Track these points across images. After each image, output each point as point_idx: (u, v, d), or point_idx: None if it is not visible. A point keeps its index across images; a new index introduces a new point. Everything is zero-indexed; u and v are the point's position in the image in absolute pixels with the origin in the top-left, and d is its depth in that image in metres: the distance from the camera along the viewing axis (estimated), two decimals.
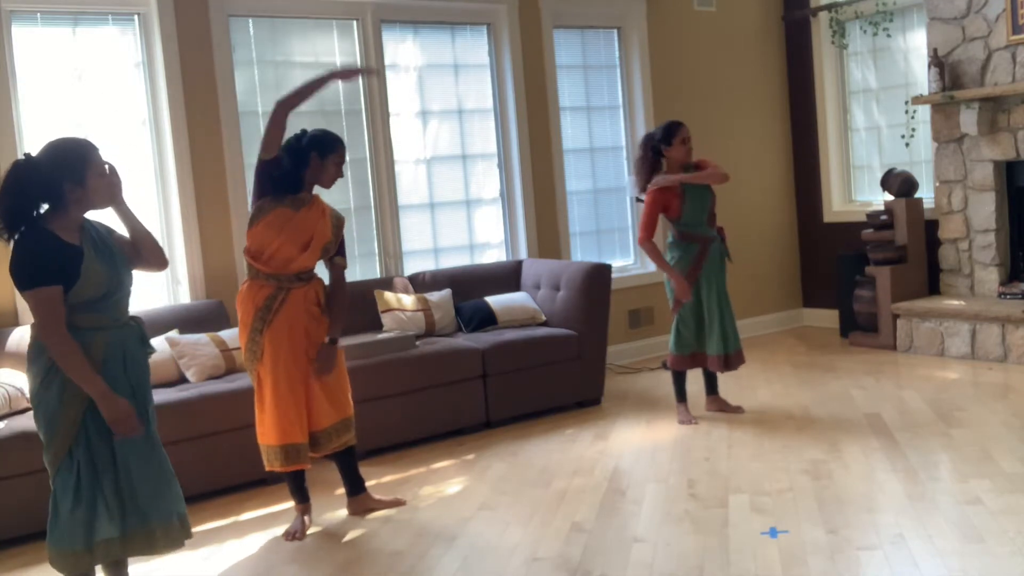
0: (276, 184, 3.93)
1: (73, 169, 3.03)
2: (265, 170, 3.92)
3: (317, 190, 4.11)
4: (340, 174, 4.08)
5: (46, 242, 2.99)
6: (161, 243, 5.38)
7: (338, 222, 4.13)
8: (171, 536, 3.21)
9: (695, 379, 5.54)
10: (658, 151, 5.17)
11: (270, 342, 3.91)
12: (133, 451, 3.12)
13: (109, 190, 3.12)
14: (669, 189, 5.13)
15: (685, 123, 5.20)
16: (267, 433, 3.97)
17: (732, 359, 5.26)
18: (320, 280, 4.11)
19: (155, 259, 3.29)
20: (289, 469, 4.01)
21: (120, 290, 3.15)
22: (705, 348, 5.25)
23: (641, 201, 5.38)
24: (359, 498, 4.26)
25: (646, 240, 5.16)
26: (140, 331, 3.24)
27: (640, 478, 4.44)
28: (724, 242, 5.32)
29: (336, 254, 4.12)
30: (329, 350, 4.04)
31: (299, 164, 3.96)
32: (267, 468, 4.03)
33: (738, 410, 5.43)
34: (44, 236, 3.00)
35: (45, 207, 3.05)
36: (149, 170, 5.41)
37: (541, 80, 6.73)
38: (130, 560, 3.88)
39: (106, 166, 3.10)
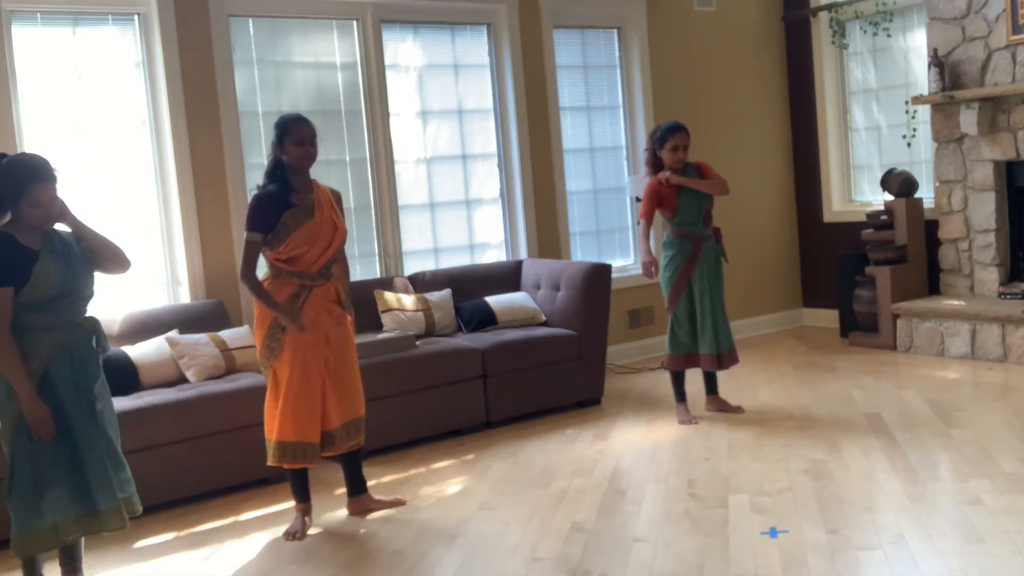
0: (279, 204, 3.92)
1: (7, 194, 3.22)
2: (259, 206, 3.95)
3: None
4: (308, 154, 3.96)
5: (1, 244, 3.20)
6: (161, 243, 5.43)
7: (340, 202, 4.15)
8: (114, 516, 3.37)
9: (695, 379, 5.54)
10: (656, 151, 5.23)
11: (292, 340, 3.92)
12: (82, 436, 3.31)
13: (44, 219, 3.27)
14: (666, 185, 5.16)
15: (686, 128, 5.19)
16: (277, 429, 3.96)
17: (724, 358, 5.28)
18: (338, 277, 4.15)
19: (115, 264, 3.44)
20: (295, 467, 4.01)
21: (74, 292, 3.32)
22: (698, 348, 5.27)
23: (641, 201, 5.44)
24: (360, 499, 4.27)
25: (643, 217, 5.25)
26: (93, 331, 3.41)
27: (640, 478, 4.44)
28: (720, 242, 5.33)
29: None
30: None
31: (279, 163, 3.97)
32: (270, 463, 4.01)
33: (738, 410, 5.43)
34: (0, 239, 3.21)
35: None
36: (149, 170, 5.40)
37: (541, 80, 6.73)
38: (127, 560, 3.89)
39: (47, 196, 3.24)
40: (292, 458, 3.96)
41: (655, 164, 5.25)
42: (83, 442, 3.32)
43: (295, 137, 3.95)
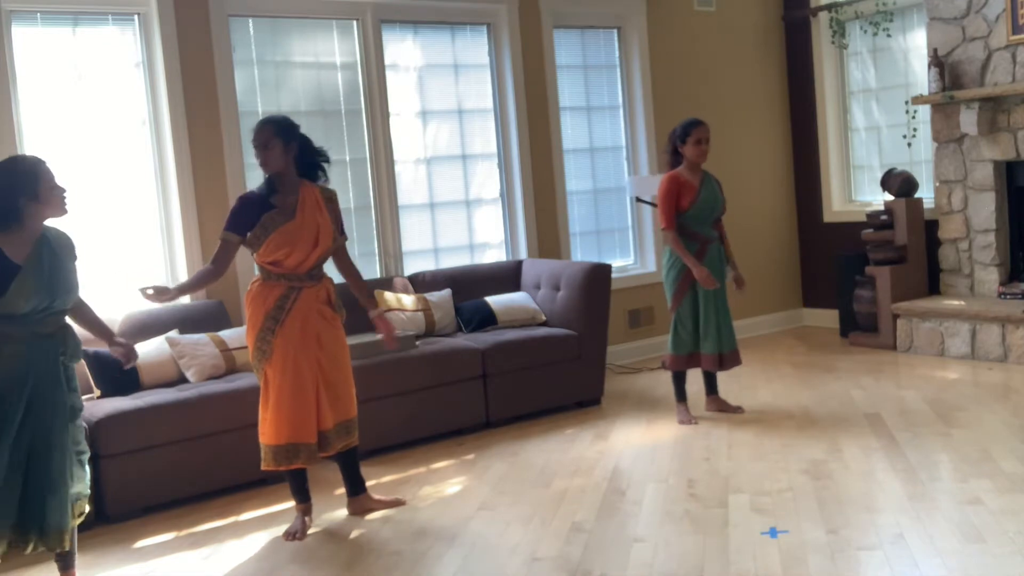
0: (259, 206, 3.94)
1: (26, 186, 3.24)
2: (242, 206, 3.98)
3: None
4: (259, 157, 3.97)
5: None
6: (161, 243, 5.44)
7: (332, 203, 4.12)
8: (46, 541, 3.32)
9: (695, 379, 5.54)
10: (676, 148, 5.23)
11: (281, 342, 3.92)
12: (33, 455, 3.28)
13: (62, 198, 3.34)
14: (687, 181, 5.18)
15: (705, 124, 5.20)
16: (269, 432, 3.96)
17: (727, 359, 5.29)
18: (330, 279, 4.11)
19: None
20: (291, 468, 4.00)
21: (49, 308, 3.30)
22: (700, 348, 5.27)
23: (641, 201, 5.44)
24: (359, 499, 4.27)
25: (668, 228, 5.18)
26: (61, 343, 3.36)
27: (640, 478, 4.44)
28: (722, 244, 5.34)
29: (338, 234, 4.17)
30: (384, 321, 4.20)
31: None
32: (263, 467, 4.01)
33: (738, 410, 5.43)
34: None
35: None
36: (149, 170, 5.40)
37: (541, 80, 6.73)
38: (127, 560, 3.89)
39: (55, 179, 3.33)
40: (285, 460, 3.96)
41: (674, 163, 5.26)
42: (12, 461, 3.26)
43: (254, 142, 4.00)
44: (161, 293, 3.86)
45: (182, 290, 4.03)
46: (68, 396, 3.40)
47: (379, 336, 5.21)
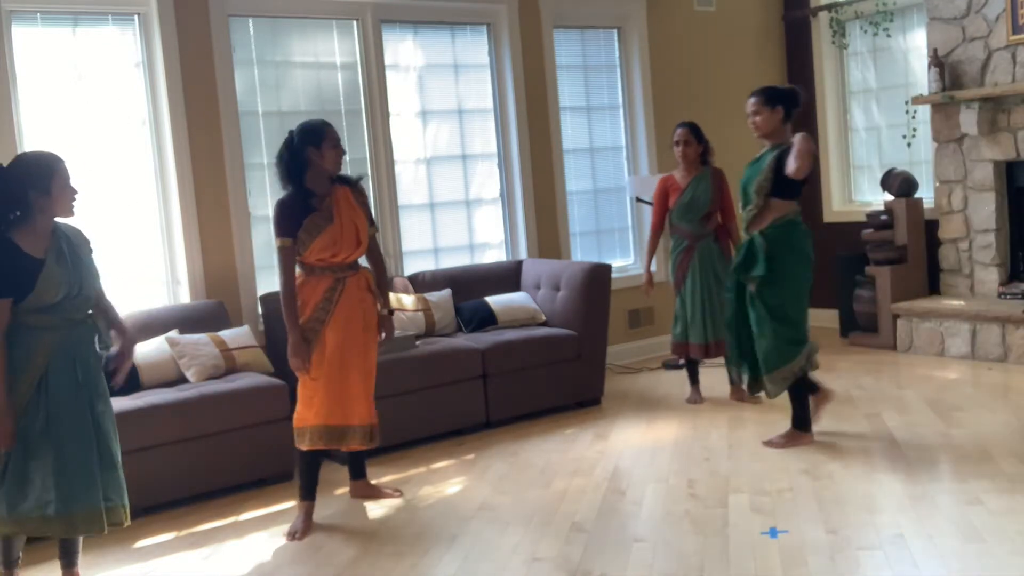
0: (301, 209, 3.99)
1: (39, 180, 3.27)
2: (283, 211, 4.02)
3: None
4: (342, 152, 4.08)
5: (4, 254, 3.21)
6: (161, 243, 5.45)
7: (362, 198, 4.18)
8: (93, 520, 3.33)
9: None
10: None
11: (331, 331, 4.01)
12: (72, 437, 3.31)
13: (72, 198, 3.38)
14: (675, 182, 5.54)
15: (687, 124, 5.58)
16: (316, 415, 4.02)
17: (712, 348, 5.51)
18: (366, 268, 4.23)
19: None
20: (332, 448, 4.09)
21: (79, 295, 3.36)
22: (689, 336, 5.54)
23: (641, 201, 5.61)
24: (359, 483, 4.41)
25: (652, 227, 5.68)
26: (94, 329, 3.46)
27: (640, 478, 4.44)
28: (718, 242, 5.53)
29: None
30: (389, 321, 4.28)
31: (300, 169, 3.99)
32: (307, 447, 4.03)
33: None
34: (4, 248, 3.22)
35: (16, 213, 3.28)
36: (149, 170, 5.40)
37: (541, 80, 6.73)
38: (127, 560, 3.90)
39: (70, 179, 3.37)
40: (330, 440, 4.04)
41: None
42: (74, 444, 3.31)
43: (332, 141, 4.05)
44: None
45: (293, 328, 4.00)
46: (105, 381, 3.49)
47: (380, 336, 5.26)
